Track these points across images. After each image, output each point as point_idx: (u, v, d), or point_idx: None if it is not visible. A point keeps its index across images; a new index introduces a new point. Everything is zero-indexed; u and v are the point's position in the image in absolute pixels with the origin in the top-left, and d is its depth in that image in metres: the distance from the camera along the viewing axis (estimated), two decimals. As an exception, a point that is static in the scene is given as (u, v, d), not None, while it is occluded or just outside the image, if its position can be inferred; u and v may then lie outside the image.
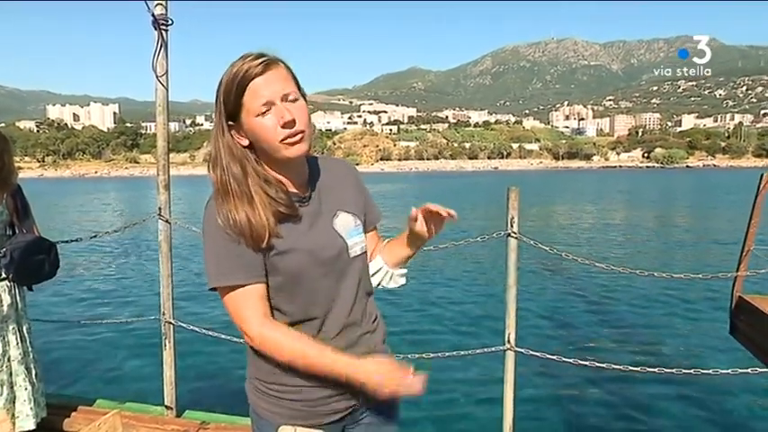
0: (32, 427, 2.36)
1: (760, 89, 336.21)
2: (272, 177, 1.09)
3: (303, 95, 1.08)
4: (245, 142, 1.07)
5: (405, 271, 1.30)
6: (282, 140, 1.03)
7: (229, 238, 1.04)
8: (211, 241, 1.06)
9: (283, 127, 1.02)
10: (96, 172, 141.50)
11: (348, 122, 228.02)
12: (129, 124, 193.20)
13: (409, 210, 1.17)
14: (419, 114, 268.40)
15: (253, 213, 1.04)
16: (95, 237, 3.63)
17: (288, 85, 1.04)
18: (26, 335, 2.40)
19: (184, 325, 2.86)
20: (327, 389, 1.12)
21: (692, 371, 2.48)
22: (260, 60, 1.01)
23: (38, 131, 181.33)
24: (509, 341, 2.46)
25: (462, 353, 2.84)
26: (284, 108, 1.03)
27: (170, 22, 2.50)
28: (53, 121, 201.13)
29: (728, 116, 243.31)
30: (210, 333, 2.88)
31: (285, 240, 1.07)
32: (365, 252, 1.21)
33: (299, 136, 1.05)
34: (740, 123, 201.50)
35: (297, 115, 1.04)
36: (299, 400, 1.13)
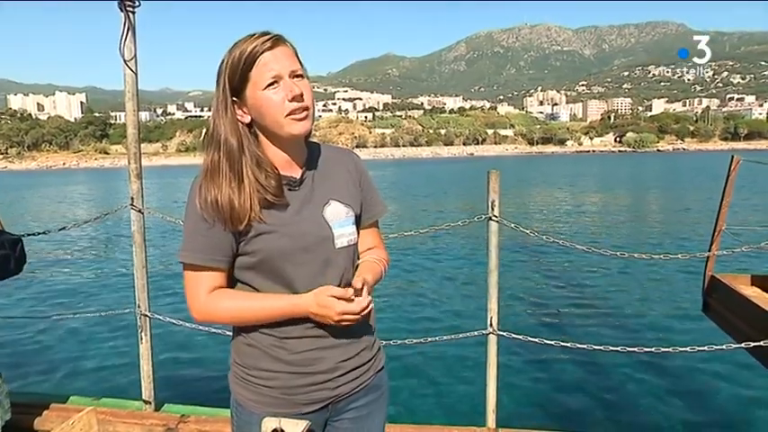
0: None
1: (725, 74, 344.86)
2: (265, 160, 1.08)
3: (307, 77, 1.09)
4: (247, 119, 1.08)
5: None
6: (288, 115, 1.04)
7: (203, 219, 1.06)
8: (187, 219, 1.09)
9: (291, 101, 1.04)
10: (64, 163, 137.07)
11: (323, 110, 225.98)
12: (97, 114, 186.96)
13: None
14: (394, 101, 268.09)
15: (238, 196, 1.04)
16: (64, 229, 3.49)
17: (295, 62, 1.06)
18: None
19: (161, 317, 2.80)
20: (306, 377, 1.12)
21: (669, 349, 2.53)
22: (268, 37, 1.04)
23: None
24: (491, 324, 2.46)
25: (445, 337, 2.84)
26: (292, 83, 1.04)
27: (137, 3, 2.39)
28: (15, 111, 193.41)
29: (696, 101, 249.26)
30: (188, 324, 2.81)
31: (266, 224, 1.07)
32: (354, 245, 1.19)
33: (305, 113, 1.06)
34: (707, 108, 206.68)
35: (304, 91, 1.05)
36: (276, 387, 1.12)
